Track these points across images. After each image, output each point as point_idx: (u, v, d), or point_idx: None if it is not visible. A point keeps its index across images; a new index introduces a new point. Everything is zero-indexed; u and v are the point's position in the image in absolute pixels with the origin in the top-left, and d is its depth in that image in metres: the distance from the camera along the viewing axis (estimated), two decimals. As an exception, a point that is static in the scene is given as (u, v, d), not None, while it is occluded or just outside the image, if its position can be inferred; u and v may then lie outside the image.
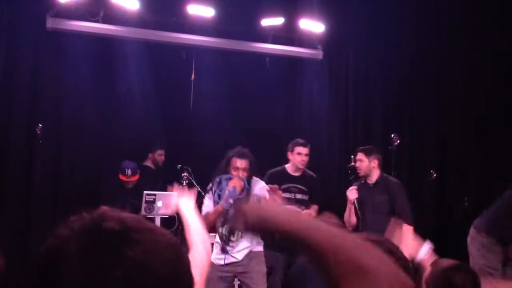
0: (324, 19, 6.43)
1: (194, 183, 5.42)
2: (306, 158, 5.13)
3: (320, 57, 6.68)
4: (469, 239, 4.75)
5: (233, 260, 4.06)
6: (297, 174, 5.17)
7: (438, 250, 2.54)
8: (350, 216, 4.85)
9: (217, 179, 4.00)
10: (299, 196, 5.10)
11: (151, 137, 6.34)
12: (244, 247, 4.09)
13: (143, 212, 5.27)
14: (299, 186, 5.14)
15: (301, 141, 5.17)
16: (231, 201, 3.89)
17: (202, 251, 1.82)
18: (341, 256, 0.84)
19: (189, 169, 5.43)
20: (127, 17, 5.92)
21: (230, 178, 3.95)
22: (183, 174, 5.36)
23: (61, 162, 5.99)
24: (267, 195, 3.92)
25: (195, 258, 1.72)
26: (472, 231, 4.75)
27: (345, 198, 5.00)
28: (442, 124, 6.96)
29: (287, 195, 5.01)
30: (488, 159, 6.54)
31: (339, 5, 6.67)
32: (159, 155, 6.23)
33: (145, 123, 6.33)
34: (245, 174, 3.97)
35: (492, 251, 4.63)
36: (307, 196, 5.14)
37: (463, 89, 6.88)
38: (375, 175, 4.92)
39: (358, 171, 4.97)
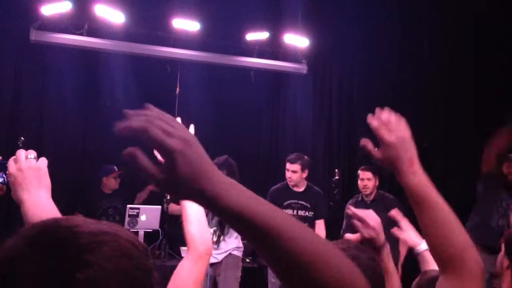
0: (309, 34, 6.49)
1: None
2: (293, 176, 4.89)
3: (305, 71, 6.73)
4: None
5: (215, 261, 4.34)
6: (299, 189, 4.97)
7: (417, 266, 2.55)
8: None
9: None
10: (301, 212, 4.92)
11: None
12: (225, 249, 4.40)
13: (126, 226, 5.22)
14: (301, 202, 4.95)
15: (290, 156, 4.99)
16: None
17: (200, 245, 1.62)
18: (324, 268, 0.72)
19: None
20: (112, 30, 5.90)
21: None
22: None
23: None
24: None
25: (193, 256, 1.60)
26: None
27: (331, 212, 5.07)
28: (425, 137, 7.03)
29: (289, 211, 4.87)
30: (470, 170, 6.62)
31: (324, 20, 6.74)
32: None
33: (129, 136, 6.28)
34: None
35: None
36: (311, 213, 4.94)
37: (446, 102, 6.99)
38: (374, 193, 5.10)
39: (364, 190, 5.03)
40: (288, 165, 4.93)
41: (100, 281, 0.67)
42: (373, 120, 1.27)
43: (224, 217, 0.71)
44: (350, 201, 5.17)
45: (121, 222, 5.50)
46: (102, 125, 6.26)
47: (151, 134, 0.68)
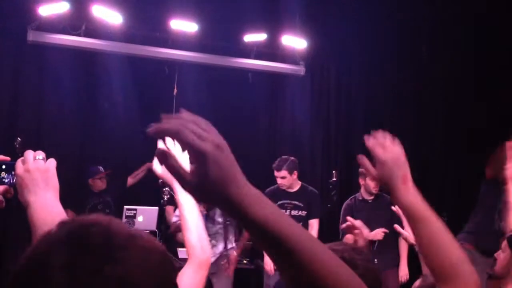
0: (307, 35, 6.47)
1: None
2: (283, 181, 4.94)
3: (302, 73, 6.70)
4: None
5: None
6: (292, 190, 5.04)
7: (417, 264, 2.50)
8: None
9: None
10: (294, 212, 4.97)
11: (132, 151, 6.26)
12: (220, 250, 4.70)
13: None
14: (294, 202, 5.02)
15: (275, 163, 5.02)
16: None
17: (200, 254, 1.64)
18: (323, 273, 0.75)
19: (171, 184, 5.39)
20: (109, 31, 5.89)
21: None
22: (164, 189, 5.31)
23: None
24: None
25: (194, 264, 1.63)
26: None
27: (329, 213, 5.07)
28: (425, 137, 7.00)
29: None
30: (467, 176, 6.58)
31: (322, 22, 6.72)
32: None
33: (127, 137, 6.27)
34: None
35: (475, 264, 4.66)
36: (304, 212, 5.01)
37: (446, 103, 6.95)
38: None
39: (376, 190, 4.96)
40: (275, 173, 4.97)
41: (128, 278, 0.68)
42: (368, 140, 1.35)
43: (246, 225, 0.73)
44: (348, 201, 5.11)
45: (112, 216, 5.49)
46: (100, 125, 6.26)
47: (183, 136, 0.69)
